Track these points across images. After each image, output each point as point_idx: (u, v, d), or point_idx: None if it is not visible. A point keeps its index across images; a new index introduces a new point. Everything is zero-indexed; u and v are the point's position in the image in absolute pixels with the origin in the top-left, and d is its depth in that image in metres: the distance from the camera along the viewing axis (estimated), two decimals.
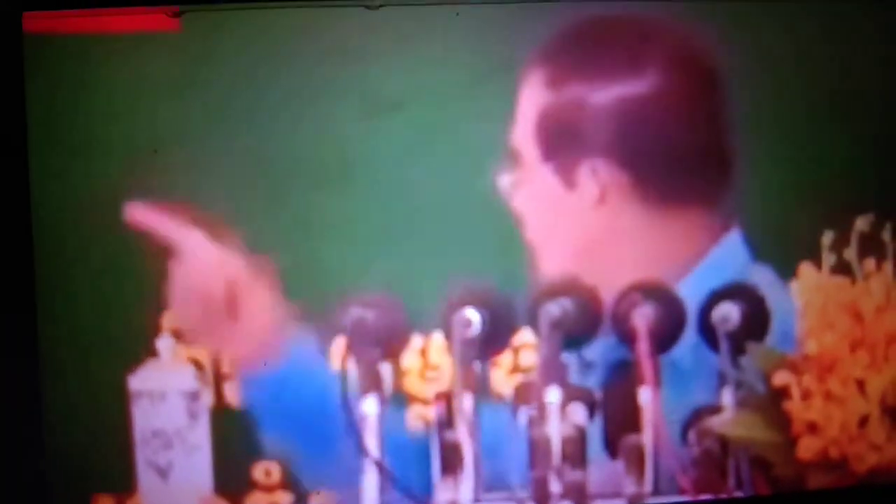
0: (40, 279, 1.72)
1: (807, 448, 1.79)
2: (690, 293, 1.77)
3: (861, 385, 1.79)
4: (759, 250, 1.79)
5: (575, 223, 1.76)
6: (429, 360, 1.77)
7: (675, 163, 1.76)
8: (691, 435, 1.78)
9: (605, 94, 1.74)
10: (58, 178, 1.73)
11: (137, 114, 1.73)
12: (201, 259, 1.70)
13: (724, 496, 1.79)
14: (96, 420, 1.73)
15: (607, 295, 1.76)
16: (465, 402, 1.76)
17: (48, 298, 1.73)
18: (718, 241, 1.78)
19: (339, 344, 1.75)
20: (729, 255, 1.78)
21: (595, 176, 1.74)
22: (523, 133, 1.74)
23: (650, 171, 1.76)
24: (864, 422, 1.80)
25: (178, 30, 1.72)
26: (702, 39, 1.77)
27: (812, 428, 1.79)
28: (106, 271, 1.73)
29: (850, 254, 1.79)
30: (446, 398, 1.76)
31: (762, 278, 1.79)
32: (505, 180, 1.73)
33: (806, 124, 1.80)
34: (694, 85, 1.77)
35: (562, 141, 1.74)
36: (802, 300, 1.79)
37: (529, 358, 1.77)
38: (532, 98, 1.74)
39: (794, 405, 1.79)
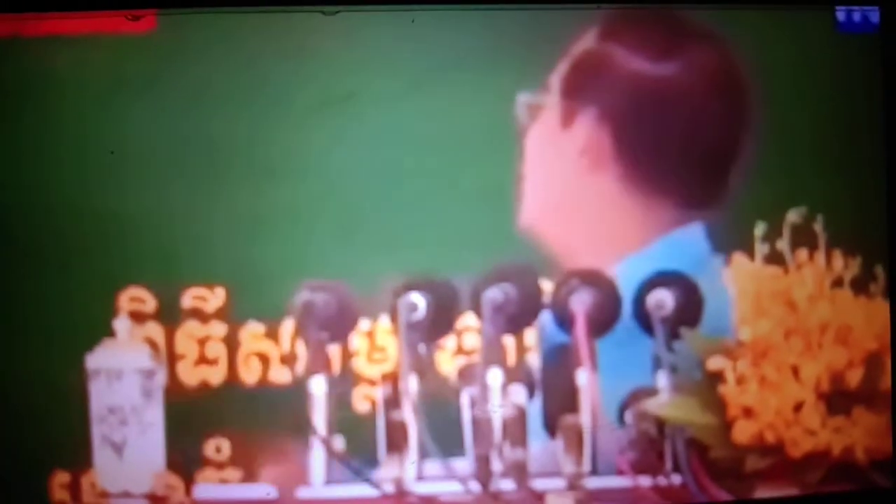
0: (4, 262, 1.80)
1: (742, 431, 1.83)
2: (628, 279, 1.84)
3: (796, 371, 1.84)
4: (719, 243, 1.86)
5: (556, 165, 1.84)
6: (375, 343, 1.84)
7: (668, 151, 1.85)
8: (628, 416, 1.84)
9: (634, 65, 1.84)
10: (21, 171, 1.82)
11: (102, 112, 1.83)
12: None
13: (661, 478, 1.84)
14: (56, 398, 1.80)
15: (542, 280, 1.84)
16: (411, 383, 1.82)
17: (12, 281, 1.81)
18: (670, 231, 1.86)
19: (287, 326, 1.82)
20: (682, 247, 1.86)
21: (586, 126, 1.83)
22: (561, 70, 1.84)
23: (639, 147, 1.85)
24: (798, 407, 1.84)
25: (144, 32, 1.82)
26: (735, 49, 1.86)
27: (747, 412, 1.84)
28: (67, 255, 1.81)
29: (783, 244, 1.85)
30: (392, 379, 1.83)
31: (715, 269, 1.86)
32: (522, 99, 1.82)
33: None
34: (718, 89, 1.86)
35: (580, 85, 1.84)
36: (735, 289, 1.85)
37: (472, 341, 1.84)
38: (582, 43, 1.84)
39: (729, 389, 1.84)
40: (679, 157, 1.85)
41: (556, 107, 1.84)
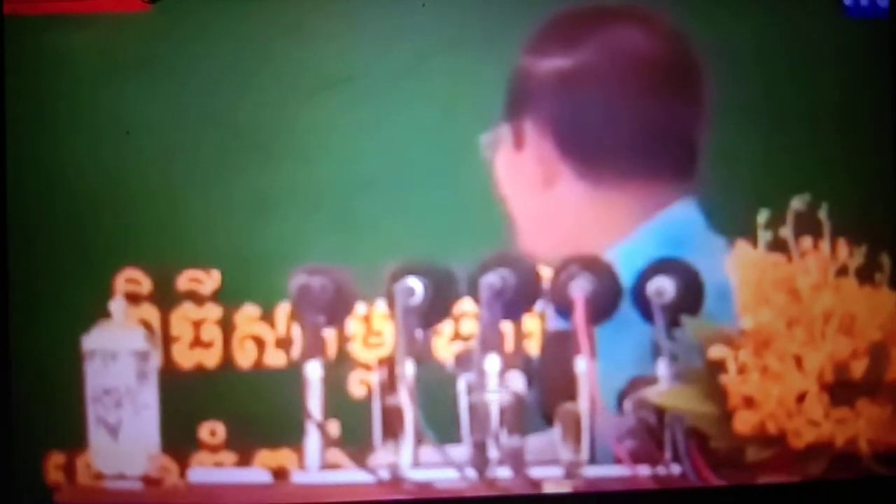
0: (10, 246, 1.81)
1: (743, 422, 1.80)
2: (627, 266, 1.82)
3: (798, 361, 1.81)
4: (713, 221, 1.84)
5: (524, 187, 1.83)
6: (372, 327, 1.83)
7: (611, 137, 1.83)
8: (627, 404, 1.81)
9: (550, 65, 1.83)
10: (30, 152, 1.82)
11: (106, 92, 1.83)
12: None
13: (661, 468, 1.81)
14: (51, 378, 1.80)
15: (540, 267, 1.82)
16: (407, 368, 1.80)
17: (17, 264, 1.81)
18: (655, 215, 1.84)
19: (283, 309, 1.81)
20: (673, 228, 1.84)
21: (531, 141, 1.82)
22: (507, 96, 1.84)
23: (581, 142, 1.83)
24: (801, 398, 1.81)
25: (149, 9, 1.82)
26: (678, 29, 1.84)
27: (749, 402, 1.81)
28: (63, 235, 1.81)
29: (786, 232, 1.82)
30: (388, 364, 1.81)
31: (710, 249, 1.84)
32: (485, 139, 1.81)
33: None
34: (646, 66, 1.84)
35: (517, 105, 1.82)
36: (737, 276, 1.82)
37: (470, 326, 1.82)
38: (511, 62, 1.83)
39: (730, 379, 1.81)
40: (626, 140, 1.84)
41: (507, 133, 1.84)
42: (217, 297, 1.80)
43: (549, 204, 1.79)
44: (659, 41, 1.79)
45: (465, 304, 1.82)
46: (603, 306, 1.82)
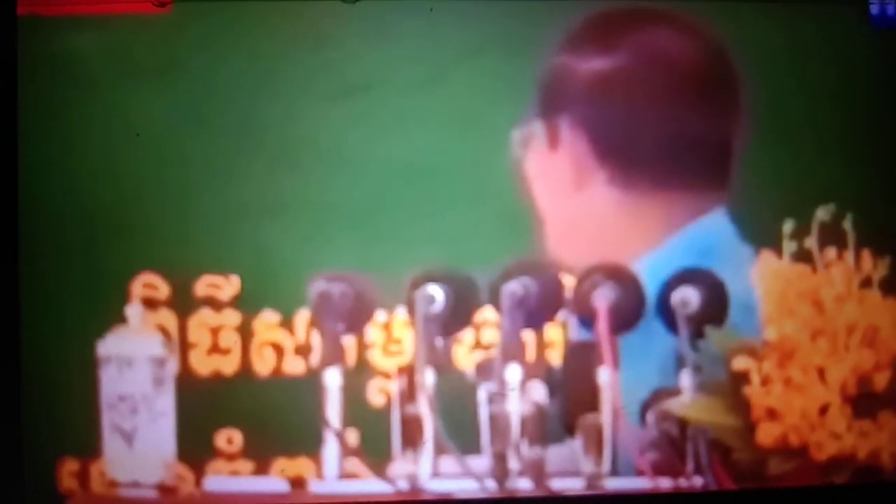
0: (24, 249, 1.77)
1: (766, 434, 1.79)
2: (654, 276, 1.80)
3: (821, 373, 1.80)
4: (743, 231, 1.82)
5: (556, 189, 1.81)
6: (392, 335, 1.80)
7: (647, 143, 1.81)
8: (650, 416, 1.79)
9: (587, 65, 1.80)
10: (44, 154, 1.79)
11: (121, 95, 1.79)
12: None
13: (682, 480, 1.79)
14: (66, 384, 1.77)
15: (566, 271, 1.80)
16: (427, 376, 1.78)
17: (31, 270, 1.77)
18: (685, 225, 1.82)
19: (303, 316, 1.78)
20: (704, 238, 1.82)
21: (566, 142, 1.80)
22: (540, 93, 1.80)
23: (617, 145, 1.80)
24: (824, 410, 1.80)
25: (166, 12, 1.79)
26: (715, 37, 1.82)
27: (771, 414, 1.80)
28: (79, 239, 1.78)
29: (811, 242, 1.81)
30: (408, 372, 1.79)
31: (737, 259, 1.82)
32: (516, 136, 1.79)
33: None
34: (683, 71, 1.82)
35: (550, 102, 1.79)
36: (762, 287, 1.81)
37: (491, 335, 1.80)
38: (546, 61, 1.80)
39: (753, 391, 1.79)
40: (661, 147, 1.81)
41: (541, 131, 1.81)
42: (236, 302, 1.77)
43: (578, 208, 1.77)
44: (697, 48, 1.77)
45: (487, 313, 1.79)
46: (626, 316, 1.80)
